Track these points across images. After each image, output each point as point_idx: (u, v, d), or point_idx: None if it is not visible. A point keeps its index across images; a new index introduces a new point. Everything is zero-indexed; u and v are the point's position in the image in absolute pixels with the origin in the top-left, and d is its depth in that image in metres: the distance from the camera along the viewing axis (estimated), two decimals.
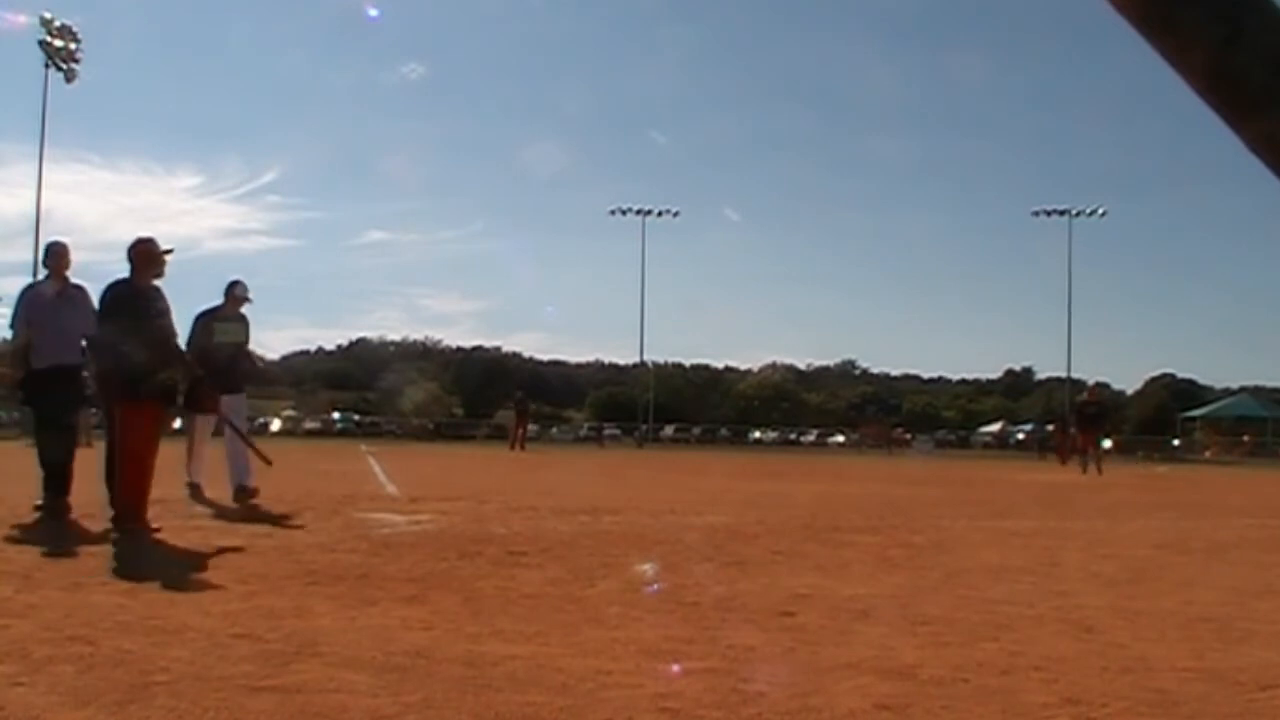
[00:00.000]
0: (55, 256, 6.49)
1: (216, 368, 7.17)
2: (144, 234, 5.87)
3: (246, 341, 8.10)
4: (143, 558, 4.62)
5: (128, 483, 5.51)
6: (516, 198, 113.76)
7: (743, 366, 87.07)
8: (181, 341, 6.70)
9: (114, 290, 5.73)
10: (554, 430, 53.15)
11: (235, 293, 8.02)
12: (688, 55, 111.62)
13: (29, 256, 35.17)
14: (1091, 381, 31.67)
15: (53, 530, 5.52)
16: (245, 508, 6.96)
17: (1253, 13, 0.88)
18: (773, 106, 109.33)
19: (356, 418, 54.16)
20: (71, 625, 3.08)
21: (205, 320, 7.72)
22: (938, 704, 2.44)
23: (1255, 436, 48.35)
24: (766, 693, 2.51)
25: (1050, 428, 32.90)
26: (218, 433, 7.65)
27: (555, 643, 3.02)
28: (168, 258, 5.88)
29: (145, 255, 5.80)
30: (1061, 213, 47.04)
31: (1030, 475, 17.71)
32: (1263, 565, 5.51)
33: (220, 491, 7.37)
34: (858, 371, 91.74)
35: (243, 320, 8.05)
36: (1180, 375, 70.77)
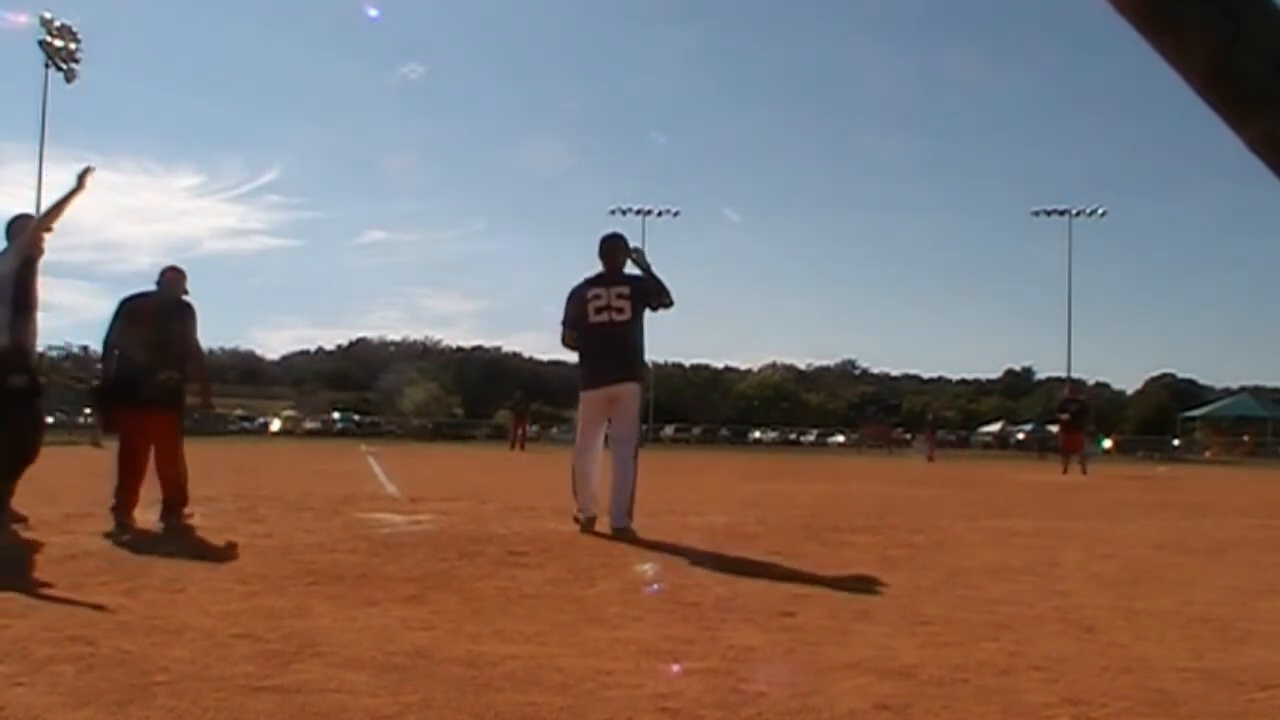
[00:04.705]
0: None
1: (597, 349, 6.12)
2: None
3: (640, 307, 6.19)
4: (142, 558, 4.62)
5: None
6: (517, 197, 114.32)
7: (743, 366, 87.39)
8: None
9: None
10: (554, 430, 53.17)
11: (613, 249, 6.27)
12: (688, 55, 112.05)
13: None
14: (1092, 381, 31.68)
15: (50, 530, 5.51)
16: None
17: (1253, 12, 0.88)
18: (773, 106, 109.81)
19: (356, 418, 54.22)
20: (71, 625, 3.07)
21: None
22: (938, 704, 2.44)
23: (1255, 436, 48.42)
24: (766, 693, 2.51)
25: (1054, 429, 32.77)
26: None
27: (555, 643, 3.02)
28: None
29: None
30: (1061, 213, 47.16)
31: (1030, 475, 17.71)
32: (1263, 565, 5.51)
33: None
34: (858, 371, 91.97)
35: (628, 281, 6.22)
36: (1180, 375, 71.10)
